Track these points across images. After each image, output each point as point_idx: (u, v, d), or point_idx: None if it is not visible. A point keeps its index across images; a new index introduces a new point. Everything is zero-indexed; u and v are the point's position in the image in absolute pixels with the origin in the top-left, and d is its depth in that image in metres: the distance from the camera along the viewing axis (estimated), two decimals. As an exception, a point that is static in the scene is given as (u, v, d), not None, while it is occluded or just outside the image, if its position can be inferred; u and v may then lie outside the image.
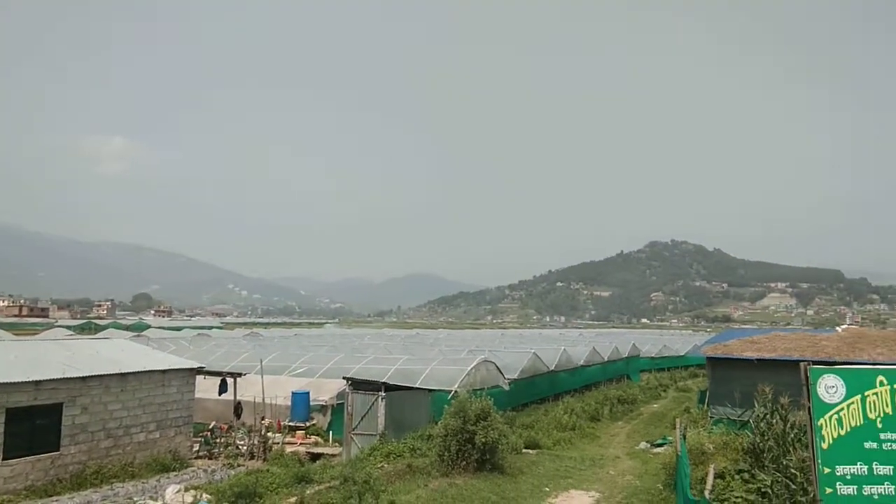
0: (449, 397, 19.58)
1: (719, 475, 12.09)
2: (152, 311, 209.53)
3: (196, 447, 19.91)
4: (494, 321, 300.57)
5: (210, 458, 19.38)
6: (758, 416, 12.30)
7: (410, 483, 13.94)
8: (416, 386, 21.27)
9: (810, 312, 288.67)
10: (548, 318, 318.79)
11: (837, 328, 25.96)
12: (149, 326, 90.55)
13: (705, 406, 21.67)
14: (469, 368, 23.27)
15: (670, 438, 19.10)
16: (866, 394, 6.10)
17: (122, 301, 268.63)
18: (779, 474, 9.69)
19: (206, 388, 21.91)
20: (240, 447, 19.49)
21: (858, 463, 5.94)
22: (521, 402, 26.60)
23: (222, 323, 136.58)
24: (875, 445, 6.00)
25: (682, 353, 55.58)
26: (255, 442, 19.20)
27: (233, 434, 20.38)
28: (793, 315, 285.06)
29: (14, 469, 14.87)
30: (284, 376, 25.78)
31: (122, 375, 17.62)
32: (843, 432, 6.02)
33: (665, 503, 12.60)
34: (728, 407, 19.35)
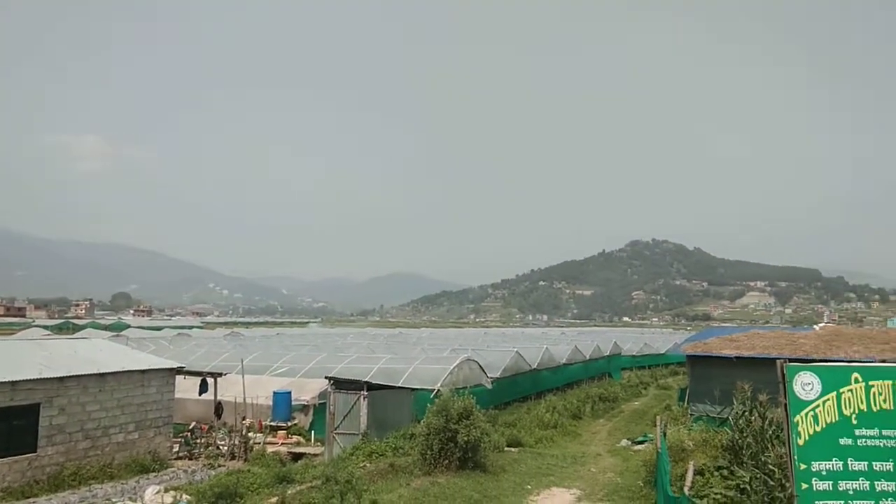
0: (432, 396, 19.58)
1: (699, 472, 12.21)
2: (131, 311, 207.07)
3: (176, 448, 19.74)
4: (477, 320, 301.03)
5: (190, 459, 19.22)
6: (737, 413, 12.44)
7: (393, 482, 13.92)
8: (399, 385, 21.25)
9: (788, 311, 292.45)
10: (530, 317, 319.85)
11: (815, 326, 26.36)
12: (128, 326, 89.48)
13: (685, 403, 21.87)
14: (452, 367, 23.29)
15: (651, 436, 19.27)
16: (841, 391, 6.19)
17: (101, 300, 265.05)
18: (757, 471, 9.79)
19: (186, 389, 21.71)
20: (220, 447, 19.35)
21: (834, 459, 6.01)
22: (504, 400, 26.68)
23: (203, 322, 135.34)
24: (850, 442, 6.08)
25: (663, 352, 56.00)
26: (236, 442, 19.07)
27: (213, 434, 20.22)
28: (771, 313, 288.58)
29: (-11, 471, 14.65)
30: (266, 376, 25.63)
31: (101, 376, 17.41)
32: (818, 429, 6.10)
33: (646, 500, 12.71)
34: (708, 404, 19.55)
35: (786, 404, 6.14)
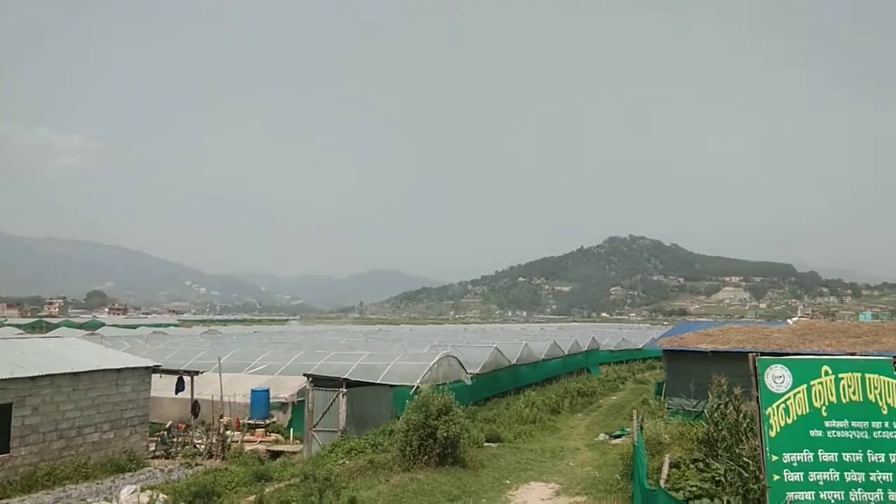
0: (411, 392, 19.62)
1: (675, 465, 12.36)
2: (106, 309, 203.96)
3: (152, 447, 19.53)
4: (457, 316, 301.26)
5: (167, 458, 19.02)
6: (712, 406, 12.58)
7: (372, 479, 13.91)
8: (379, 382, 21.24)
9: (763, 305, 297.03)
10: (510, 313, 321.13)
11: (789, 321, 26.87)
12: (103, 325, 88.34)
13: (662, 397, 22.13)
14: (431, 364, 23.31)
15: (628, 430, 19.47)
16: (812, 383, 6.30)
17: (75, 299, 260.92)
18: (732, 463, 9.91)
19: (162, 387, 21.51)
20: (197, 446, 19.17)
21: (804, 450, 6.13)
22: (484, 396, 26.77)
23: (179, 320, 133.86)
24: (820, 433, 6.20)
25: (640, 346, 56.63)
26: (214, 440, 18.91)
27: (190, 433, 20.04)
28: (746, 308, 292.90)
29: (-40, 473, 14.38)
30: (244, 374, 25.46)
31: (75, 375, 17.16)
32: (789, 421, 6.21)
33: (622, 493, 12.83)
34: (684, 398, 19.74)
35: (758, 397, 6.25)
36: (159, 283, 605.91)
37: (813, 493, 6.01)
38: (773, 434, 6.18)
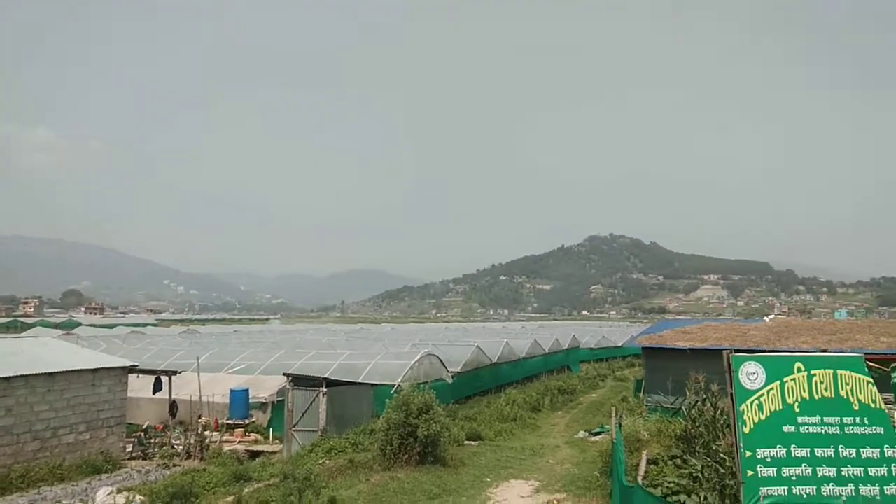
0: (392, 391, 19.57)
1: (653, 461, 12.48)
2: (83, 309, 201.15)
3: (129, 448, 19.29)
4: (439, 315, 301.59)
5: (144, 459, 18.81)
6: (690, 403, 12.72)
7: (352, 478, 13.88)
8: (359, 381, 21.17)
9: (741, 303, 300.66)
10: (491, 312, 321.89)
11: (765, 318, 27.20)
12: (79, 324, 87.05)
13: (641, 395, 22.31)
14: (412, 362, 23.29)
15: (608, 427, 19.60)
16: (785, 380, 6.41)
17: (51, 298, 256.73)
18: (709, 459, 10.03)
19: (139, 388, 21.27)
20: (175, 447, 18.99)
21: (778, 446, 6.22)
22: (465, 394, 26.81)
23: (158, 320, 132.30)
24: (793, 429, 6.30)
25: (620, 344, 57.03)
26: (192, 441, 18.73)
27: (168, 433, 19.84)
28: (724, 306, 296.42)
29: (-70, 476, 14.10)
30: (223, 374, 25.25)
31: (50, 375, 16.90)
32: (763, 417, 6.30)
33: (601, 489, 12.92)
34: (662, 395, 19.96)
35: (732, 394, 6.33)
36: (137, 282, 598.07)
37: (786, 488, 6.11)
38: (746, 430, 6.27)
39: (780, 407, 6.32)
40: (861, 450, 6.28)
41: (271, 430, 21.00)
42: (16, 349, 18.48)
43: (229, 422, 21.19)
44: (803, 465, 6.18)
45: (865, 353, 6.75)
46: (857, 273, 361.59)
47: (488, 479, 14.46)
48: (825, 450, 6.24)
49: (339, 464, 14.85)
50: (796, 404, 6.35)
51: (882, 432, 6.36)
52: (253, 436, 20.77)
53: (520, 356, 34.78)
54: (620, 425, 14.26)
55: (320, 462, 15.09)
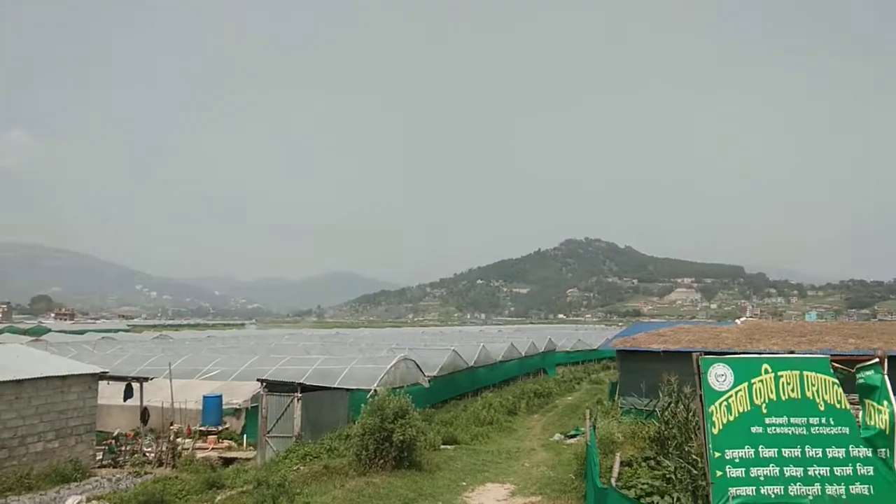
0: (368, 396, 19.48)
1: (627, 463, 12.60)
2: (53, 315, 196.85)
3: (100, 456, 18.95)
4: (416, 319, 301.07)
5: (115, 467, 18.48)
6: (663, 405, 12.88)
7: (327, 484, 13.77)
8: (335, 386, 21.06)
9: (714, 306, 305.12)
10: (468, 316, 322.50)
11: (737, 321, 27.66)
12: (48, 330, 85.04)
13: (616, 397, 22.51)
14: (389, 367, 23.24)
15: (583, 429, 19.73)
16: (753, 381, 6.51)
17: (20, 304, 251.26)
18: (682, 460, 10.15)
19: (110, 395, 20.91)
20: (147, 454, 18.70)
21: (746, 446, 6.32)
22: (442, 398, 26.81)
23: (129, 326, 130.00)
24: (761, 430, 6.41)
25: (596, 347, 57.43)
26: (164, 448, 18.47)
27: (139, 441, 19.54)
28: (698, 309, 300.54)
29: None
30: (196, 380, 24.94)
31: (17, 382, 16.53)
32: (731, 418, 6.40)
33: (576, 492, 12.99)
34: (636, 397, 20.15)
35: (701, 395, 6.43)
36: (108, 287, 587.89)
37: (754, 488, 6.20)
38: (715, 431, 6.36)
39: (748, 408, 6.42)
40: (827, 450, 6.40)
41: (245, 436, 20.77)
42: (-18, 356, 18.06)
43: (202, 428, 20.93)
44: (771, 465, 6.29)
45: (833, 355, 6.89)
46: (826, 276, 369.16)
47: (464, 483, 14.47)
48: (792, 450, 6.35)
49: (314, 470, 14.73)
50: (764, 405, 6.46)
51: (847, 432, 6.49)
52: (226, 442, 20.53)
53: (496, 360, 34.88)
54: (595, 428, 14.38)
55: (295, 468, 14.95)
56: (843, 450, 6.40)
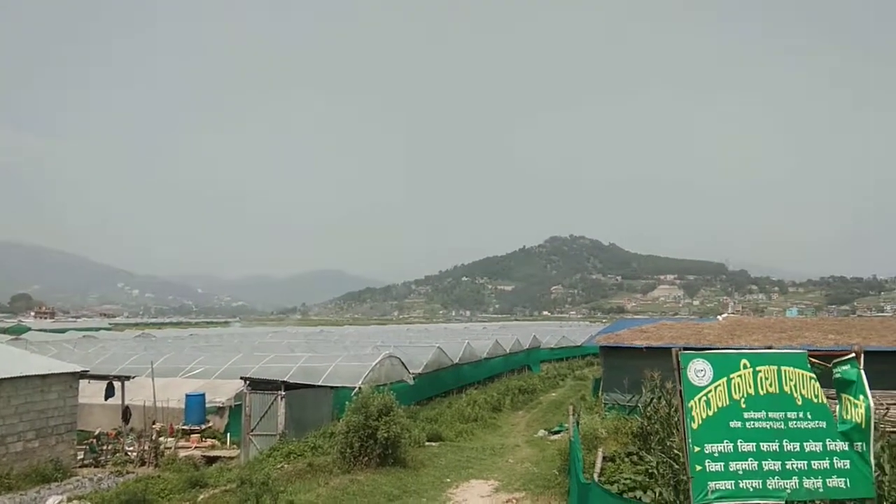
0: (353, 394, 19.45)
1: (610, 458, 12.69)
2: (32, 313, 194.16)
3: (81, 455, 18.78)
4: (401, 317, 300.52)
5: (97, 467, 18.33)
6: (645, 401, 12.99)
7: (311, 482, 13.76)
8: (319, 384, 20.99)
9: (696, 302, 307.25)
10: (453, 313, 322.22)
11: (719, 317, 27.88)
12: (28, 329, 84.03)
13: (599, 393, 22.64)
14: (373, 364, 23.20)
15: (566, 425, 19.84)
16: (731, 376, 6.60)
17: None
18: (664, 455, 10.25)
19: (91, 394, 20.72)
20: (129, 453, 18.56)
21: (725, 441, 6.41)
22: (426, 395, 26.80)
23: (111, 324, 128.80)
24: (739, 424, 6.50)
25: (580, 344, 57.68)
26: (146, 447, 18.33)
27: (121, 440, 19.38)
28: (680, 305, 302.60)
29: None
30: (178, 378, 24.74)
31: (-4, 382, 16.33)
32: (710, 413, 6.49)
33: (560, 487, 13.07)
34: (619, 393, 20.30)
35: (681, 390, 6.50)
36: (90, 285, 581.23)
37: (733, 482, 6.29)
38: (695, 426, 6.44)
39: (727, 403, 6.51)
40: (804, 443, 6.50)
41: (229, 434, 20.68)
42: (-41, 355, 17.81)
43: (185, 427, 20.79)
44: (749, 459, 6.38)
45: (813, 350, 6.99)
46: (807, 272, 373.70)
47: (449, 480, 14.50)
48: (770, 444, 6.44)
49: (298, 467, 14.71)
50: (742, 400, 6.55)
51: (824, 426, 6.60)
52: (209, 441, 20.42)
53: (481, 357, 34.93)
54: (578, 423, 14.46)
55: (279, 466, 14.92)
56: (821, 443, 6.51)
